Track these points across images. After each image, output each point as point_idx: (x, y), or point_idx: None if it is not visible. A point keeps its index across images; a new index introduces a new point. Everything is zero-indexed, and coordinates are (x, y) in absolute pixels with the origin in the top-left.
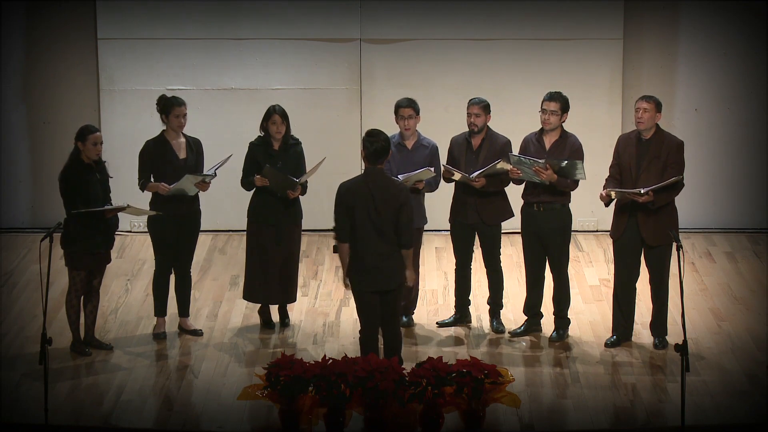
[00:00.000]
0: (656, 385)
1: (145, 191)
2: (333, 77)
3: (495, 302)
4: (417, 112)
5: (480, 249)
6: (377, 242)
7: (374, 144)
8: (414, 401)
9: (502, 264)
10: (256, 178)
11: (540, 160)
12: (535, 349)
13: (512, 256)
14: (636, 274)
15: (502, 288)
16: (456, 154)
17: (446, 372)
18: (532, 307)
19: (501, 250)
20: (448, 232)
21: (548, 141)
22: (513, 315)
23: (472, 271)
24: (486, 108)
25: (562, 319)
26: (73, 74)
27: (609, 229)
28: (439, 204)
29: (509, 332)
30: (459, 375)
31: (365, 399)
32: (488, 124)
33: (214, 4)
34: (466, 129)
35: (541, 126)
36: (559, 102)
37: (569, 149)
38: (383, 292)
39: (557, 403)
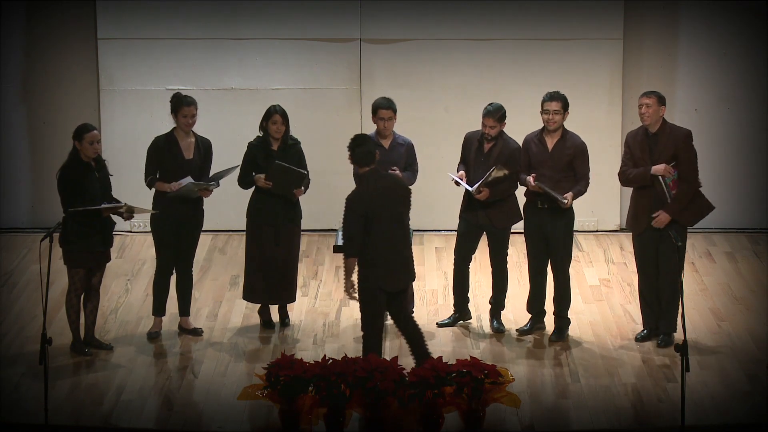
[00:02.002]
0: (656, 385)
1: (152, 188)
2: (333, 77)
3: (497, 302)
4: (395, 112)
5: (483, 249)
6: (398, 241)
7: (361, 147)
8: (414, 401)
9: None
10: (257, 177)
11: (560, 197)
12: (536, 348)
13: (512, 256)
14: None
15: (506, 289)
16: (467, 153)
17: (446, 372)
18: (536, 305)
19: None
20: (448, 232)
21: (550, 142)
22: (513, 315)
23: (471, 271)
24: (501, 117)
25: (562, 319)
26: (73, 74)
27: (609, 229)
28: (439, 204)
29: (517, 330)
30: (459, 375)
31: (365, 399)
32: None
33: (214, 4)
34: (467, 129)
35: (542, 126)
36: (561, 101)
37: (573, 148)
38: (398, 291)
39: (557, 403)
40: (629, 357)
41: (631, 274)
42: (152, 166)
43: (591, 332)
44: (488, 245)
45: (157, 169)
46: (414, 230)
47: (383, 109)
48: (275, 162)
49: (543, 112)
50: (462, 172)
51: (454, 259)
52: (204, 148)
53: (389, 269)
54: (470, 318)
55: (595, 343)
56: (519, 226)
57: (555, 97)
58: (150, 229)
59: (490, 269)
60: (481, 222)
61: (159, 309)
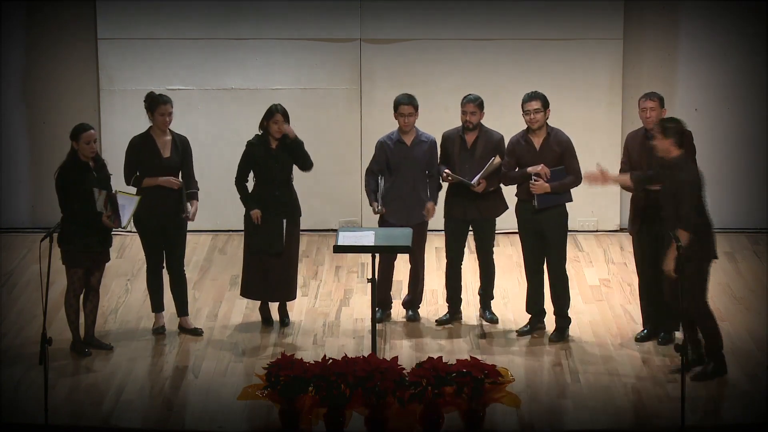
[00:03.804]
0: (656, 385)
1: (137, 187)
2: (333, 77)
3: (487, 293)
4: (416, 108)
5: (473, 244)
6: None
7: (675, 124)
8: (414, 401)
9: (502, 264)
10: (254, 213)
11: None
12: (536, 348)
13: (512, 256)
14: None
15: (493, 279)
16: (449, 151)
17: (446, 372)
18: (535, 305)
19: (501, 248)
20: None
21: (537, 141)
22: (513, 315)
23: (470, 271)
24: (481, 105)
25: (563, 318)
26: (73, 74)
27: (609, 229)
28: (440, 204)
29: (517, 331)
30: (459, 375)
31: (365, 399)
32: (485, 121)
33: (214, 4)
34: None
35: (526, 127)
36: (540, 100)
37: (560, 145)
38: None
39: (557, 403)
40: (629, 357)
41: (631, 274)
42: (131, 167)
43: (591, 332)
44: (474, 239)
45: (136, 169)
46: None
47: (404, 104)
48: (284, 221)
49: (524, 113)
50: (447, 170)
51: (447, 260)
52: (182, 145)
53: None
54: (461, 318)
55: (595, 343)
56: (514, 226)
57: (534, 96)
58: (135, 229)
59: (478, 262)
60: (469, 216)
61: (157, 305)
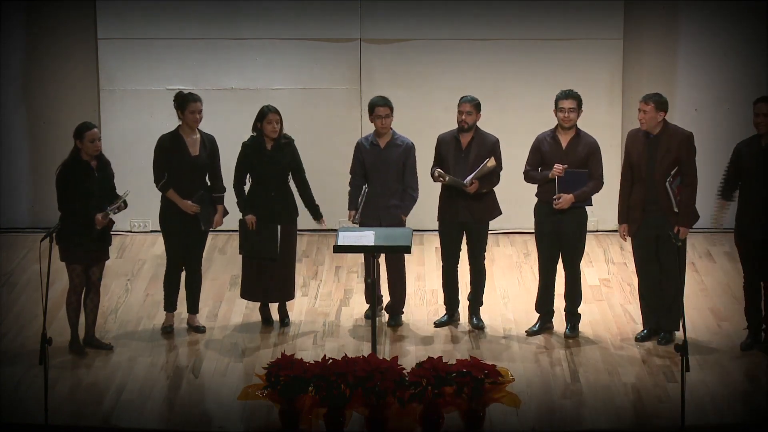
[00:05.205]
0: (656, 385)
1: (165, 192)
2: (333, 77)
3: (476, 299)
4: (392, 109)
5: (465, 248)
6: None
7: None
8: (414, 401)
9: (503, 264)
10: (249, 218)
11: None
12: (536, 348)
13: (512, 256)
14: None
15: (483, 285)
16: (444, 153)
17: (446, 372)
18: (545, 305)
19: (501, 248)
20: None
21: (564, 140)
22: (513, 315)
23: (466, 272)
24: (477, 106)
25: (574, 315)
26: (73, 74)
27: (609, 229)
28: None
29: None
30: (459, 375)
31: (365, 399)
32: (484, 121)
33: (214, 4)
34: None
35: (555, 125)
36: (576, 99)
37: (586, 147)
38: None
39: (557, 403)
40: (629, 357)
41: (631, 274)
42: (160, 166)
43: (591, 332)
44: (467, 242)
45: (166, 169)
46: (414, 230)
47: (380, 106)
48: (278, 226)
49: (558, 110)
50: (440, 170)
51: (443, 265)
52: (210, 144)
53: None
54: (459, 320)
55: (595, 343)
56: (518, 226)
57: (570, 95)
58: (159, 227)
59: (468, 267)
60: (461, 218)
61: (170, 305)
